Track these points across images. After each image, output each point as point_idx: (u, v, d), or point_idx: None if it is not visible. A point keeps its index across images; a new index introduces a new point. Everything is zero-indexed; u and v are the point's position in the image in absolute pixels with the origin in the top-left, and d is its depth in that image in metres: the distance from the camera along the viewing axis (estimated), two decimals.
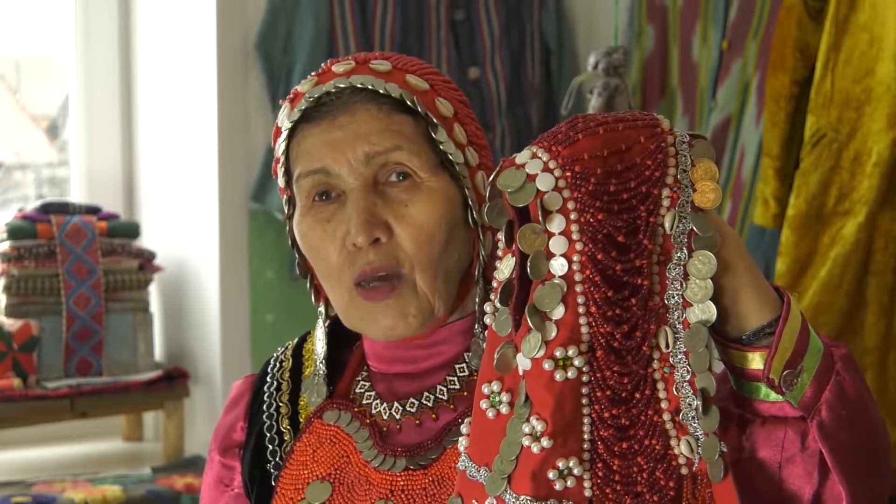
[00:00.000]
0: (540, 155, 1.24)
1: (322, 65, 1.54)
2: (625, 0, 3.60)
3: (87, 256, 3.47)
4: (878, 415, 1.33)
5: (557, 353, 1.22)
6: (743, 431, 1.30)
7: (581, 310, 1.22)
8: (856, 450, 1.27)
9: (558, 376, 1.22)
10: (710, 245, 1.23)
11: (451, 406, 1.49)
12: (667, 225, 1.23)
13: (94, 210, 3.63)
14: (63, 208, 3.57)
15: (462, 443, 1.33)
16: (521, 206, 1.23)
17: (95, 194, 3.94)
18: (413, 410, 1.51)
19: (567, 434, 1.22)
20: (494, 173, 1.25)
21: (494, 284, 1.29)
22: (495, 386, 1.28)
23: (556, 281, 1.22)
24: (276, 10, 3.57)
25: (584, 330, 1.22)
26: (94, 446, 3.77)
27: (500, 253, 1.29)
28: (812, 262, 2.76)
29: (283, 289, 3.69)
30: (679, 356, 1.24)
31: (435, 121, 1.47)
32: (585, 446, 1.23)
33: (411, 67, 1.52)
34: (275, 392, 1.63)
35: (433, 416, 1.50)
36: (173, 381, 3.56)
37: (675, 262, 1.24)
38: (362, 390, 1.56)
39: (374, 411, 1.53)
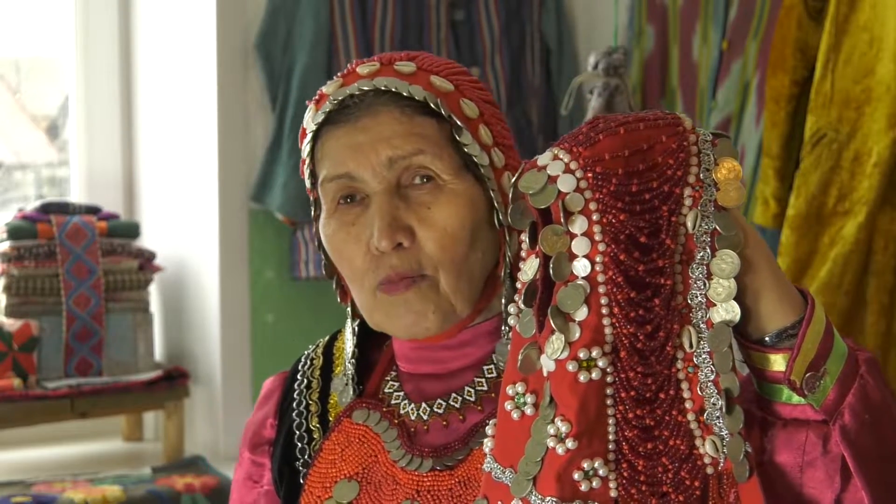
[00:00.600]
0: (561, 156, 1.23)
1: (349, 65, 1.53)
2: (625, 0, 3.60)
3: (87, 256, 3.47)
4: None
5: (581, 355, 1.21)
6: (764, 434, 1.29)
7: (604, 311, 1.22)
8: (879, 455, 1.26)
9: (582, 377, 1.21)
10: (734, 244, 1.23)
11: (479, 407, 1.49)
12: (689, 224, 1.23)
13: (94, 210, 3.63)
14: (63, 208, 3.57)
15: (487, 444, 1.33)
16: (542, 207, 1.23)
17: (95, 194, 3.94)
18: (440, 411, 1.51)
19: (592, 435, 1.22)
20: (516, 175, 1.25)
21: (518, 286, 1.29)
22: (520, 387, 1.27)
23: (578, 282, 1.22)
24: (276, 10, 3.57)
25: (607, 331, 1.22)
26: (94, 446, 3.77)
27: (523, 254, 1.29)
28: (812, 262, 2.76)
29: (283, 289, 3.69)
30: (703, 356, 1.24)
31: (459, 123, 1.46)
32: (610, 447, 1.23)
33: (436, 68, 1.51)
34: (305, 390, 1.64)
35: (460, 417, 1.50)
36: (173, 381, 3.56)
37: (697, 261, 1.23)
38: (391, 390, 1.57)
39: (402, 411, 1.54)
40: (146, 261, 3.62)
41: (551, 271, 1.22)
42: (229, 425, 3.59)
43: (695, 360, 1.24)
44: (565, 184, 1.22)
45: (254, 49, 3.58)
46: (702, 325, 1.24)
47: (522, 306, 1.28)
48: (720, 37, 3.35)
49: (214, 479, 3.22)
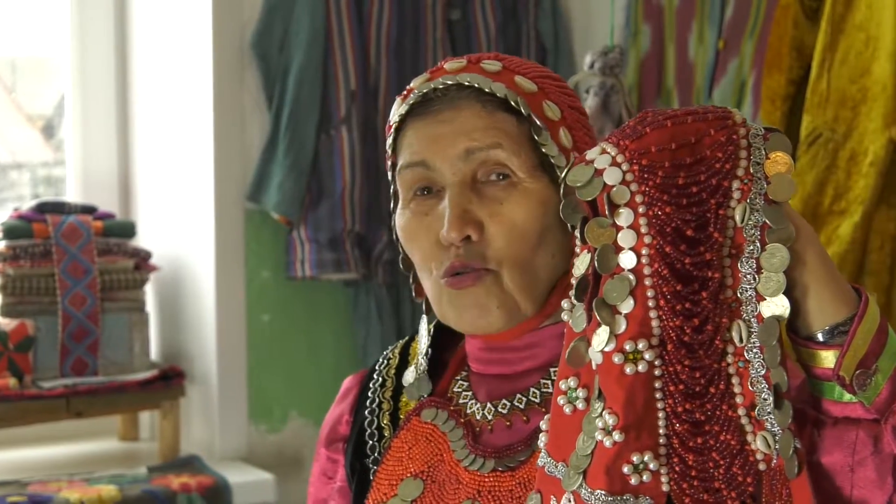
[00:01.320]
0: (608, 150, 1.25)
1: (440, 63, 1.56)
2: (621, 0, 3.60)
3: (83, 256, 3.46)
4: None
5: (627, 347, 1.22)
6: (813, 432, 1.28)
7: (650, 303, 1.23)
8: None
9: (628, 370, 1.22)
10: (785, 238, 1.23)
11: (543, 409, 1.49)
12: (738, 217, 1.23)
13: (89, 209, 3.62)
14: (59, 208, 3.56)
15: (542, 439, 1.34)
16: (589, 199, 1.24)
17: (91, 194, 3.93)
18: (504, 412, 1.52)
19: (640, 428, 1.23)
20: (566, 170, 1.26)
21: (572, 281, 1.30)
22: (572, 382, 1.29)
23: (624, 274, 1.23)
24: (272, 9, 3.57)
25: (654, 324, 1.23)
26: (90, 446, 3.76)
27: (577, 250, 1.29)
28: None
29: (280, 288, 3.68)
30: (754, 350, 1.24)
31: (538, 123, 1.47)
32: (661, 441, 1.23)
33: (522, 69, 1.53)
34: (379, 388, 1.66)
35: (524, 418, 1.51)
36: (169, 381, 3.55)
37: (747, 255, 1.24)
38: (460, 390, 1.59)
39: (468, 411, 1.55)
40: (142, 260, 3.62)
41: (597, 263, 1.23)
42: (225, 425, 3.59)
43: (745, 354, 1.24)
44: (611, 176, 1.23)
45: (250, 48, 3.58)
46: (752, 320, 1.24)
47: (574, 301, 1.28)
48: (716, 36, 3.35)
49: (210, 478, 3.22)
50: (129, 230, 3.65)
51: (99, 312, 3.47)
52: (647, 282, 1.22)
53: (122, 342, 3.54)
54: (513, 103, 1.47)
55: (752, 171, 1.24)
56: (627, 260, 1.23)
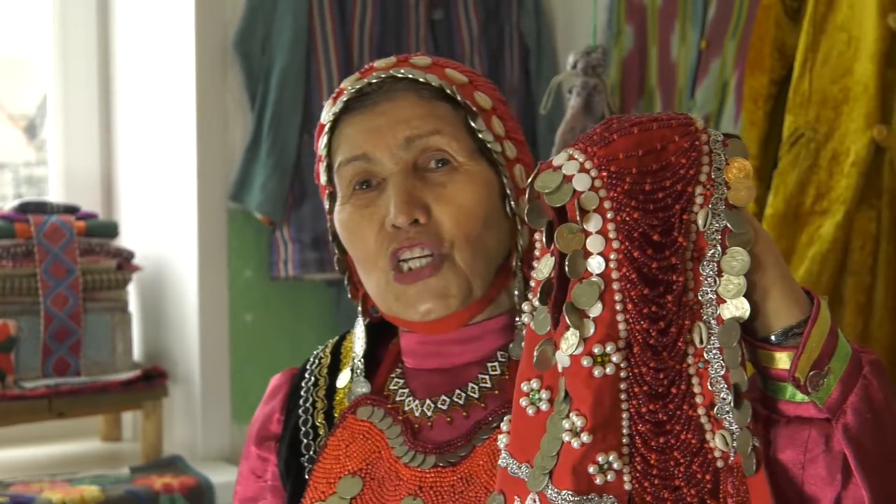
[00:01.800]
0: (576, 156, 1.26)
1: (367, 65, 1.58)
2: (603, 0, 3.61)
3: (65, 256, 3.45)
4: None
5: (595, 350, 1.24)
6: (768, 431, 1.31)
7: (618, 307, 1.24)
8: (880, 454, 1.27)
9: (597, 372, 1.24)
10: (744, 242, 1.25)
11: (482, 404, 1.52)
12: (700, 222, 1.26)
13: (72, 209, 3.61)
14: (41, 208, 3.55)
15: (502, 440, 1.35)
16: (558, 206, 1.25)
17: (73, 194, 3.92)
18: (444, 408, 1.53)
19: (606, 429, 1.24)
20: (532, 175, 1.28)
21: (532, 284, 1.32)
22: (535, 383, 1.30)
23: (593, 279, 1.25)
24: (254, 9, 3.57)
25: (621, 327, 1.24)
26: (72, 446, 3.75)
27: (538, 253, 1.32)
28: (790, 261, 2.77)
29: (262, 288, 3.68)
30: (713, 352, 1.26)
31: (474, 109, 1.50)
32: (624, 441, 1.25)
33: (451, 64, 1.56)
34: (312, 387, 1.66)
35: (464, 413, 1.52)
36: (152, 381, 3.55)
37: (708, 258, 1.26)
38: (396, 387, 1.59)
39: (406, 408, 1.56)
40: (124, 260, 3.61)
41: (567, 269, 1.25)
42: (208, 425, 3.59)
43: (705, 355, 1.26)
44: (580, 183, 1.25)
45: (232, 48, 3.58)
46: (712, 322, 1.26)
47: (537, 304, 1.30)
48: (699, 36, 3.35)
49: (193, 478, 3.22)
50: (111, 230, 3.64)
51: (81, 312, 3.46)
52: (615, 286, 1.24)
53: (105, 342, 3.54)
54: (448, 91, 1.50)
55: (713, 176, 1.26)
56: (596, 265, 1.24)
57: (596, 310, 1.24)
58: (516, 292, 1.52)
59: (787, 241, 2.77)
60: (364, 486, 1.53)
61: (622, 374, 1.24)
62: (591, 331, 1.24)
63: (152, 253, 3.76)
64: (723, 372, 1.25)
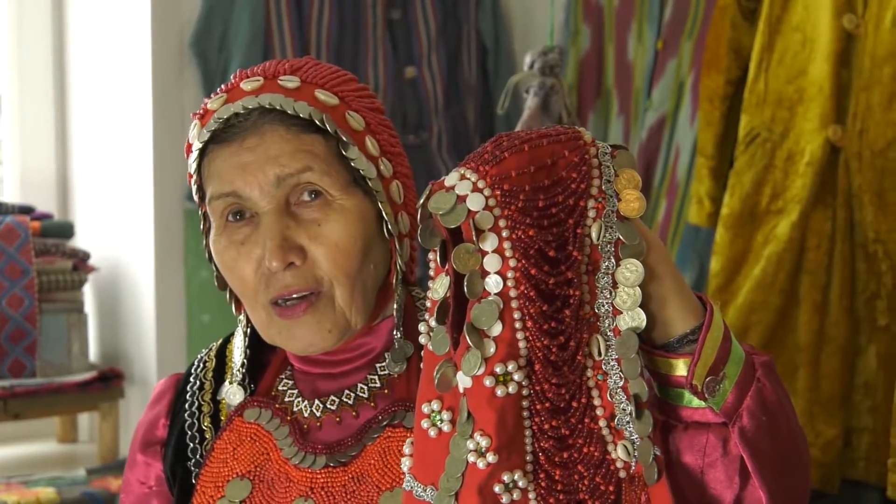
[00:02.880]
0: (468, 176, 1.25)
1: (232, 77, 1.52)
2: (560, 0, 3.62)
3: (21, 257, 3.43)
4: (797, 421, 1.35)
5: (497, 370, 1.23)
6: (667, 437, 1.32)
7: (518, 325, 1.23)
8: (775, 455, 1.29)
9: (499, 392, 1.23)
10: (637, 253, 1.25)
11: (372, 404, 1.51)
12: (594, 235, 1.25)
13: (27, 210, 3.59)
14: None
15: (405, 462, 1.34)
16: (453, 227, 1.23)
17: (29, 194, 3.90)
18: (333, 408, 1.52)
19: (511, 448, 1.23)
20: (424, 196, 1.26)
21: (428, 304, 1.30)
22: (435, 405, 1.29)
23: (491, 298, 1.23)
24: (211, 9, 3.55)
25: (521, 345, 1.23)
26: (28, 448, 3.74)
27: (431, 273, 1.30)
28: (746, 260, 2.78)
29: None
30: (611, 363, 1.26)
31: (345, 138, 1.46)
32: (528, 458, 1.24)
33: (321, 80, 1.51)
34: (197, 391, 1.63)
35: (353, 413, 1.51)
36: (108, 383, 3.54)
37: (603, 271, 1.26)
38: (285, 388, 1.57)
39: (295, 409, 1.54)
40: (80, 261, 3.59)
41: (466, 289, 1.23)
42: None
43: (603, 367, 1.26)
44: (475, 202, 1.23)
45: (189, 48, 3.57)
46: (609, 333, 1.26)
47: (434, 324, 1.28)
48: (655, 37, 3.36)
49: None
50: (67, 231, 3.62)
51: (37, 313, 3.45)
52: (514, 304, 1.23)
53: (61, 343, 3.52)
54: (318, 122, 1.45)
55: (603, 188, 1.26)
56: (494, 283, 1.23)
57: (496, 329, 1.23)
58: (395, 307, 1.51)
59: (743, 241, 2.79)
60: (253, 488, 1.51)
61: (524, 391, 1.24)
62: (492, 350, 1.23)
63: (108, 253, 3.74)
64: (621, 383, 1.25)
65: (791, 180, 2.73)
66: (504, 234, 1.23)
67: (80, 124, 3.92)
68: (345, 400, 1.52)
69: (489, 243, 1.23)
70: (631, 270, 1.25)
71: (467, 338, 1.23)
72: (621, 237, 1.25)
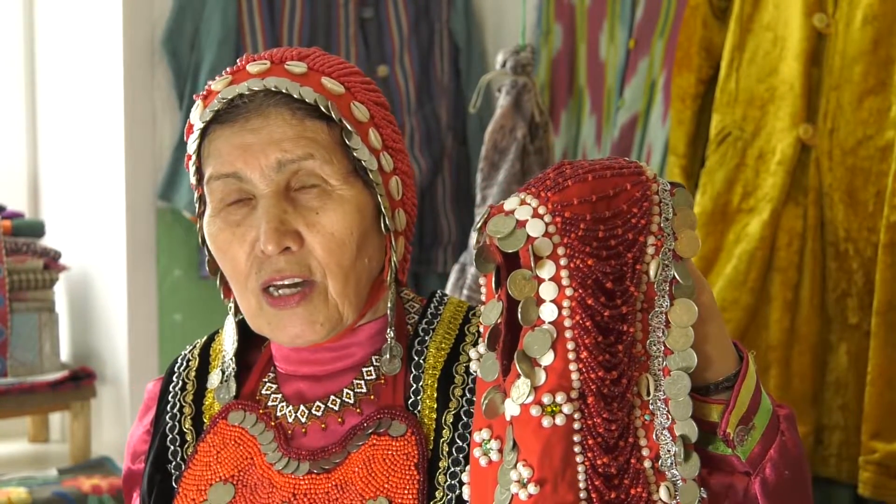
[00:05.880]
0: (529, 201, 1.24)
1: (238, 61, 1.51)
2: None
3: None
4: (810, 475, 1.35)
5: (545, 400, 1.22)
6: None
7: (571, 356, 1.22)
8: None
9: (545, 422, 1.22)
10: (690, 293, 1.24)
11: (357, 410, 1.49)
12: (651, 272, 1.24)
13: None
14: None
15: (466, 491, 1.34)
16: (511, 251, 1.23)
17: None
18: (319, 414, 1.50)
19: (558, 482, 1.22)
20: (482, 219, 1.25)
21: (481, 329, 1.29)
22: (485, 433, 1.28)
23: (545, 327, 1.22)
24: (183, 7, 3.55)
25: (574, 376, 1.22)
26: None
27: (483, 297, 1.28)
28: (717, 258, 2.79)
29: (191, 288, 3.66)
30: (658, 403, 1.25)
31: (349, 127, 1.45)
32: (582, 496, 1.23)
33: (328, 69, 1.49)
34: (179, 392, 1.61)
35: (339, 419, 1.49)
36: (79, 382, 3.52)
37: (657, 309, 1.25)
38: (269, 392, 1.55)
39: (279, 413, 1.52)
40: (51, 260, 3.58)
41: (520, 316, 1.22)
42: None
43: (651, 407, 1.25)
44: (534, 228, 1.22)
45: (161, 46, 3.56)
46: (658, 373, 1.25)
47: (484, 350, 1.27)
48: (627, 36, 3.37)
49: (121, 480, 3.20)
50: (38, 229, 3.61)
51: (8, 313, 3.43)
52: (568, 334, 1.22)
53: (32, 343, 3.51)
54: (323, 109, 1.44)
55: (662, 226, 1.25)
56: (549, 312, 1.22)
57: (548, 358, 1.22)
58: (389, 304, 1.50)
59: (714, 239, 2.79)
60: (236, 493, 1.49)
61: (575, 425, 1.22)
62: (542, 379, 1.21)
63: (80, 252, 3.73)
64: (668, 423, 1.24)
65: (762, 179, 2.74)
66: (562, 262, 1.22)
67: (51, 122, 3.90)
68: (330, 406, 1.50)
69: (546, 271, 1.22)
70: (685, 311, 1.24)
71: (517, 366, 1.22)
72: (677, 276, 1.24)
